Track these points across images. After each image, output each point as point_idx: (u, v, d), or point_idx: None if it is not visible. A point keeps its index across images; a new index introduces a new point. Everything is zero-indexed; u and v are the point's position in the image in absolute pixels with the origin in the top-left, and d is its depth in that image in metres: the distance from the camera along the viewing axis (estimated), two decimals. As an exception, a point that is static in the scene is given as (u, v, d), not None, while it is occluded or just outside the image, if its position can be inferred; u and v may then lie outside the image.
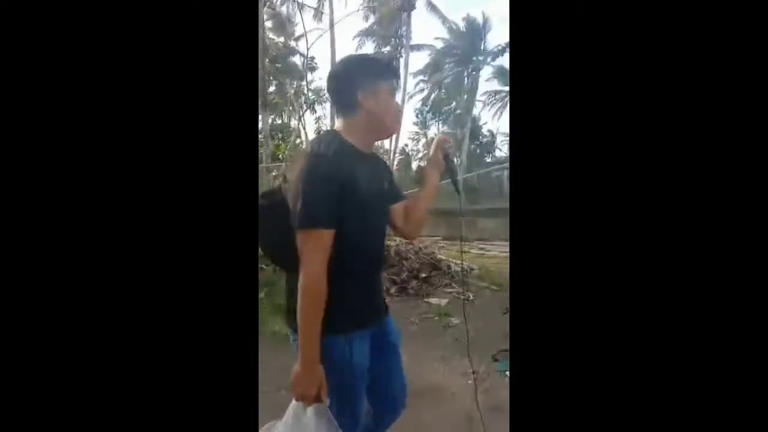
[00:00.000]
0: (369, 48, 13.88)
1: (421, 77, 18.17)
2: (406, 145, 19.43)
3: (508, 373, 2.03)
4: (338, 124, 0.98)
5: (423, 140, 18.82)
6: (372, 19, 13.22)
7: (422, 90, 18.38)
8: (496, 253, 5.59)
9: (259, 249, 0.95)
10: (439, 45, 17.50)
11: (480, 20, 16.67)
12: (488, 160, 18.68)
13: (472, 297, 3.52)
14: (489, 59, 17.03)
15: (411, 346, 2.33)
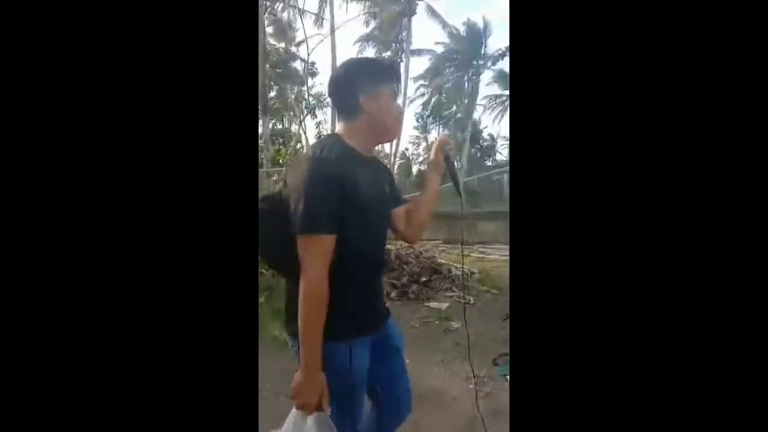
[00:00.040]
0: (370, 53, 13.94)
1: (421, 82, 18.27)
2: (407, 149, 19.48)
3: (508, 377, 2.02)
4: (339, 127, 0.98)
5: (423, 144, 18.85)
6: (373, 24, 13.31)
7: (423, 94, 18.47)
8: (497, 257, 5.58)
9: (260, 254, 0.94)
10: (440, 50, 17.61)
11: (480, 25, 16.79)
12: (489, 163, 18.71)
13: (472, 301, 3.51)
14: (489, 63, 17.13)
15: (412, 351, 2.32)
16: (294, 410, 0.88)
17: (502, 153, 19.71)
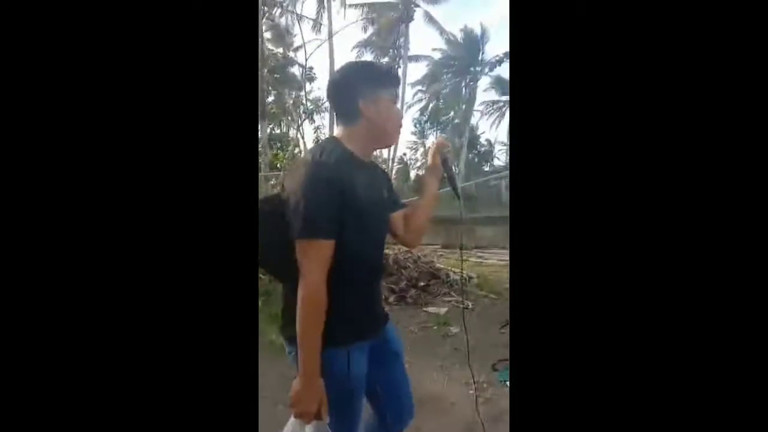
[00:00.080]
0: (368, 59, 14.02)
1: (419, 87, 18.37)
2: (404, 155, 19.52)
3: (507, 382, 2.01)
4: (338, 131, 0.97)
5: (421, 150, 18.89)
6: (370, 30, 13.39)
7: (420, 100, 18.56)
8: (494, 261, 5.58)
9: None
10: (437, 56, 17.73)
11: (477, 31, 16.92)
12: (486, 169, 18.78)
13: (471, 306, 3.50)
14: (486, 70, 17.25)
15: (410, 356, 2.31)
16: (292, 419, 0.86)
17: (500, 158, 19.82)
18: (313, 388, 0.84)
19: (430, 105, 18.08)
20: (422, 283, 3.84)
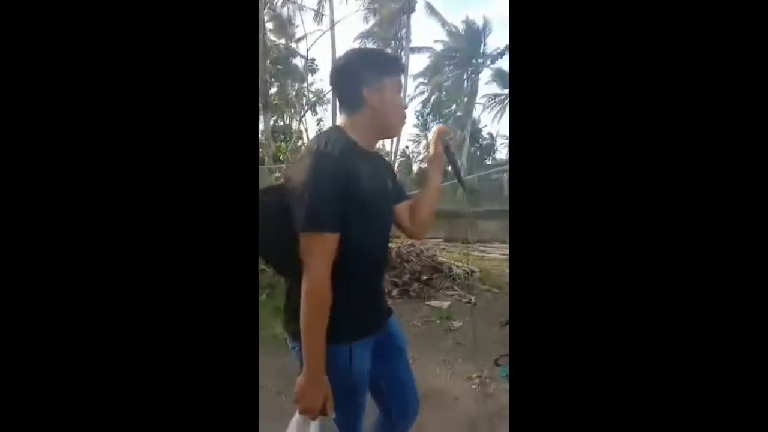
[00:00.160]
0: (369, 50, 13.89)
1: (421, 79, 18.22)
2: (407, 147, 19.46)
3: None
4: (341, 120, 0.94)
5: (423, 142, 18.83)
6: (372, 21, 13.26)
7: (422, 92, 18.43)
8: (497, 255, 5.57)
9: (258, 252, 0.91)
10: (439, 47, 17.57)
11: (479, 23, 16.75)
12: (488, 162, 18.74)
13: (474, 300, 3.50)
14: (488, 62, 17.11)
15: (413, 350, 2.31)
16: (297, 415, 0.85)
17: (502, 151, 19.76)
18: (318, 385, 0.83)
19: (432, 97, 17.98)
20: (425, 277, 3.84)
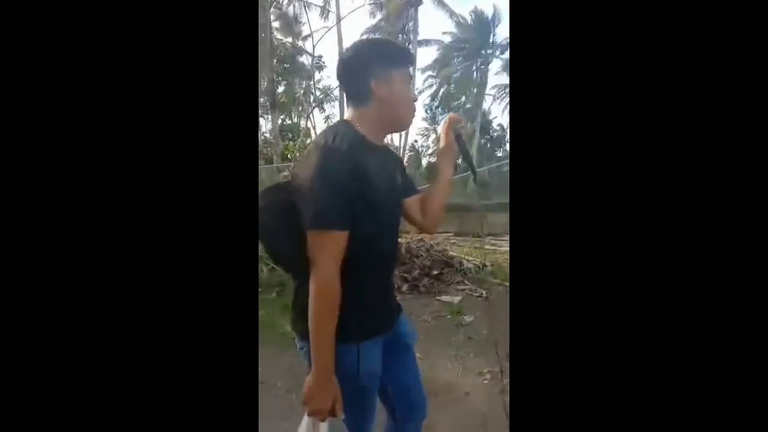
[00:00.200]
0: (376, 44, 13.80)
1: (429, 73, 18.10)
2: (416, 141, 19.37)
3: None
4: (349, 113, 0.92)
5: (432, 136, 18.72)
6: (379, 15, 13.17)
7: (431, 85, 18.31)
8: (508, 249, 5.52)
9: (266, 250, 0.91)
10: (447, 39, 17.40)
11: (488, 13, 16.53)
12: (499, 154, 18.53)
13: (485, 294, 3.48)
14: (498, 52, 16.87)
15: (424, 345, 2.31)
16: (306, 417, 0.84)
17: (513, 143, 19.47)
18: (327, 386, 0.81)
19: (441, 90, 17.83)
20: (435, 272, 3.82)
